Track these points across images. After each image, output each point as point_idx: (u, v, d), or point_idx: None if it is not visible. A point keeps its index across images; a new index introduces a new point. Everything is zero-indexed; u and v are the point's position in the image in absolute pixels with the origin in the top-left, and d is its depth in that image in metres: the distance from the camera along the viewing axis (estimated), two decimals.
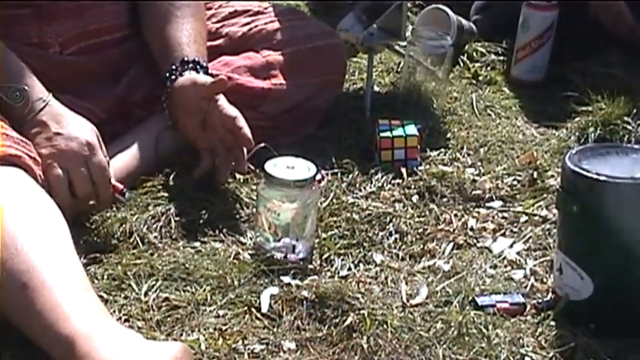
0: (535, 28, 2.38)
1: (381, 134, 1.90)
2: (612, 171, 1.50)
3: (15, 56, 1.72)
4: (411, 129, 1.93)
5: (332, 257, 1.62)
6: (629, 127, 2.08)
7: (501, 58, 2.52)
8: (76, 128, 1.65)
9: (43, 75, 1.71)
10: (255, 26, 2.04)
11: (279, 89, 1.96)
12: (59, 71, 1.80)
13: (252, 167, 1.81)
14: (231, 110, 1.77)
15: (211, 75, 1.84)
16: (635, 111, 2.14)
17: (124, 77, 1.93)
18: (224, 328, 1.40)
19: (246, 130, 1.74)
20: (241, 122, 1.76)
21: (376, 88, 2.27)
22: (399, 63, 2.43)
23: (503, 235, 1.72)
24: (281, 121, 1.92)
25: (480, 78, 2.44)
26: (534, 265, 1.65)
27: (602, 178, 1.47)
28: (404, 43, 2.35)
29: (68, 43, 1.87)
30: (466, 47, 2.54)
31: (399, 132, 1.92)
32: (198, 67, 1.83)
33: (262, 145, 1.80)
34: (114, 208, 1.66)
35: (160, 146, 1.85)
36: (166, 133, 1.85)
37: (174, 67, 1.83)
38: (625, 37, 2.48)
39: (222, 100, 1.79)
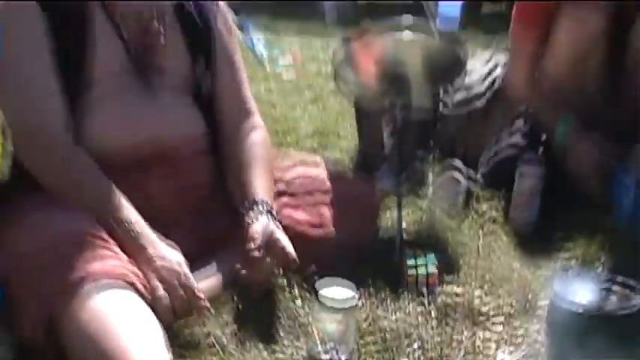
0: (528, 181, 2.41)
1: (408, 272, 1.96)
2: (587, 300, 1.71)
3: (119, 191, 1.79)
4: (432, 268, 1.97)
5: None
6: (603, 261, 2.12)
7: (502, 203, 2.53)
8: (168, 252, 1.73)
9: (142, 217, 1.79)
10: (310, 177, 2.12)
11: (328, 235, 2.02)
12: (149, 210, 1.85)
13: (305, 285, 1.86)
14: (290, 250, 1.85)
15: (274, 216, 1.91)
16: (607, 247, 2.19)
17: (204, 217, 1.99)
18: None
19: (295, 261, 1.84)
20: (294, 255, 1.84)
21: (404, 224, 2.27)
22: (422, 206, 2.49)
23: (505, 344, 1.76)
24: (328, 260, 1.94)
25: (486, 218, 2.46)
26: None
27: (579, 310, 1.68)
28: (427, 191, 2.48)
29: (160, 187, 1.94)
30: (474, 194, 2.57)
31: (422, 271, 1.96)
32: (265, 205, 1.90)
33: (313, 267, 1.86)
34: (196, 316, 1.75)
35: (233, 270, 1.89)
36: (238, 261, 1.89)
37: (247, 204, 1.91)
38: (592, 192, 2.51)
39: (282, 240, 1.86)
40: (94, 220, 1.72)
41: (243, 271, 1.86)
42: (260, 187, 1.98)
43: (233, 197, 2.02)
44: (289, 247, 1.86)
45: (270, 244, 1.86)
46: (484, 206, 2.52)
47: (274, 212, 1.94)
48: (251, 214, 1.90)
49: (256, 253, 1.84)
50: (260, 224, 1.88)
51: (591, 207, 2.45)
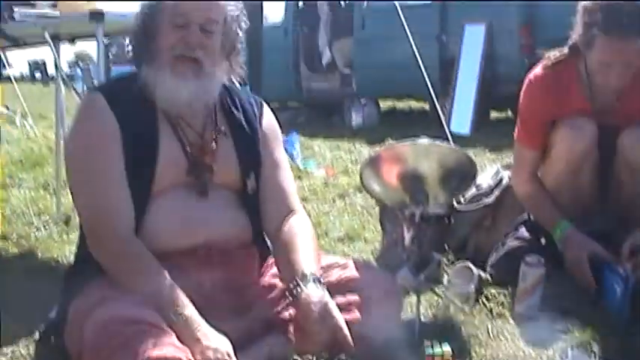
0: (530, 279, 2.53)
1: (426, 352, 2.07)
2: None
3: (176, 287, 1.89)
4: (447, 349, 2.07)
5: None
6: (595, 349, 2.22)
7: (508, 299, 2.64)
8: (219, 342, 1.82)
9: (195, 306, 1.89)
10: (344, 274, 2.15)
11: (356, 320, 2.03)
12: (207, 303, 1.94)
13: None
14: (342, 326, 1.89)
15: (323, 284, 1.94)
16: (598, 338, 2.30)
17: (248, 304, 2.09)
18: None
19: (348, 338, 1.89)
20: (347, 336, 1.89)
21: (423, 318, 2.41)
22: (438, 301, 2.62)
23: None
24: (355, 344, 1.96)
25: (494, 312, 2.57)
26: None
27: None
28: (442, 288, 2.61)
29: (217, 283, 2.04)
30: (484, 291, 2.69)
31: (438, 351, 2.07)
32: (314, 278, 1.94)
33: (342, 356, 1.94)
34: None
35: (274, 355, 1.98)
36: (279, 346, 1.97)
37: (297, 279, 1.95)
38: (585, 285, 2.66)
39: (336, 314, 1.90)
40: (154, 309, 1.83)
41: (294, 339, 1.92)
42: (307, 261, 2.01)
43: (282, 277, 2.06)
44: (342, 323, 1.89)
45: (323, 316, 1.88)
46: (492, 301, 2.64)
47: (323, 281, 1.97)
48: (302, 286, 1.92)
49: (314, 318, 1.87)
50: (314, 295, 1.90)
51: (586, 296, 2.60)
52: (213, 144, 2.14)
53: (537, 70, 2.87)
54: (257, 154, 2.21)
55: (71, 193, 2.19)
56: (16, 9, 3.55)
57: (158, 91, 2.06)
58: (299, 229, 2.15)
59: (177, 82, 2.04)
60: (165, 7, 2.07)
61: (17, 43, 3.82)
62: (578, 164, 2.77)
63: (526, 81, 2.88)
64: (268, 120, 2.30)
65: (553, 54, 2.84)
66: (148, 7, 2.11)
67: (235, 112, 2.21)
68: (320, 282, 1.97)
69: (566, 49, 2.79)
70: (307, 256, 2.05)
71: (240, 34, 2.17)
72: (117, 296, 1.87)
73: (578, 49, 2.73)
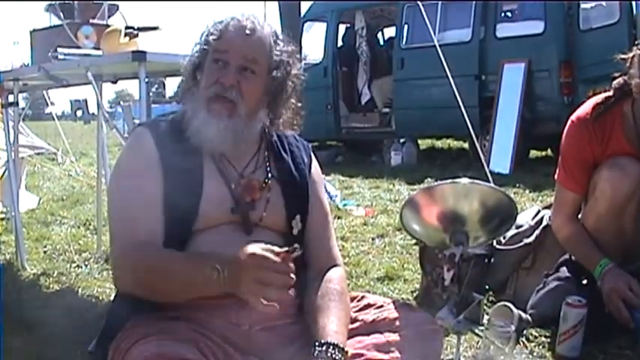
0: (571, 320, 2.54)
1: None
2: None
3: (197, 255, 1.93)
4: None
5: None
6: None
7: (549, 340, 2.67)
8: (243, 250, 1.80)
9: (234, 345, 1.93)
10: (382, 314, 2.12)
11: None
12: (245, 341, 1.96)
13: None
14: None
15: (346, 352, 1.91)
16: None
17: (290, 347, 2.03)
18: None
19: None
20: None
21: (463, 359, 2.41)
22: (478, 342, 2.63)
23: None
24: None
25: (534, 353, 2.60)
26: None
27: None
28: (482, 328, 2.51)
29: (255, 322, 2.02)
30: (524, 332, 2.71)
31: None
32: (336, 349, 1.90)
33: None
34: None
35: None
36: None
37: (317, 344, 1.92)
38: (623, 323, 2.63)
39: None
40: (195, 346, 1.83)
41: None
42: (333, 329, 1.98)
43: (310, 329, 2.02)
44: None
45: None
46: (533, 343, 2.66)
47: (346, 349, 1.93)
48: (318, 353, 1.90)
49: None
50: None
51: (629, 342, 2.60)
52: (264, 187, 2.13)
53: (580, 111, 2.85)
54: (304, 199, 2.21)
55: (108, 217, 2.19)
56: (59, 49, 3.63)
57: (191, 127, 2.06)
58: (335, 289, 2.12)
59: (210, 118, 2.05)
60: (212, 46, 2.10)
61: (60, 83, 3.89)
62: (621, 205, 2.74)
63: (569, 122, 2.87)
64: (315, 165, 2.31)
65: (597, 95, 2.82)
66: (200, 46, 2.13)
67: (284, 155, 2.22)
68: (344, 351, 1.94)
69: (611, 91, 2.77)
70: (336, 325, 2.00)
71: (291, 82, 2.19)
72: (158, 334, 1.87)
73: (625, 91, 2.72)
